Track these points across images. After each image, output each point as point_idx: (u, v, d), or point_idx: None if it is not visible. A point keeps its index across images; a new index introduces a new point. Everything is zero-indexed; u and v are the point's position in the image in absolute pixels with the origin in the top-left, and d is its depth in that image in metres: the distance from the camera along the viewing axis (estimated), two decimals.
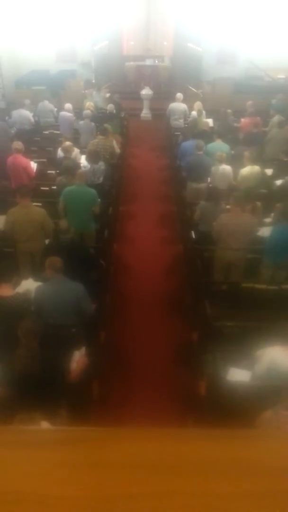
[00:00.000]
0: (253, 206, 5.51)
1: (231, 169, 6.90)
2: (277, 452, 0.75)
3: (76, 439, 0.80)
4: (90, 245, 5.67)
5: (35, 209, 5.24)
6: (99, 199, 5.87)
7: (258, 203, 5.73)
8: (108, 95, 12.42)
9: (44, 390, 2.97)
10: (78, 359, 3.41)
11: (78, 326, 3.86)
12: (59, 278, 3.89)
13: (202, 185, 7.01)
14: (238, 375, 3.48)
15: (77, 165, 6.94)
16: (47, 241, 5.29)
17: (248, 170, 6.72)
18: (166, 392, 4.34)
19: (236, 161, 7.20)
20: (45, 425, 2.60)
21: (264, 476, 0.70)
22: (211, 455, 0.74)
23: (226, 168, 6.90)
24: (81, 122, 9.32)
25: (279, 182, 6.96)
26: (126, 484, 0.69)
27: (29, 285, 4.20)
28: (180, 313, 5.51)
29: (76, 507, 0.66)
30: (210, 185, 6.81)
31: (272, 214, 5.55)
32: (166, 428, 0.81)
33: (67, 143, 7.51)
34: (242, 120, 9.76)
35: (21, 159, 6.97)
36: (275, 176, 7.33)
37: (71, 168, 6.36)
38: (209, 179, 7.08)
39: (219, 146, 7.66)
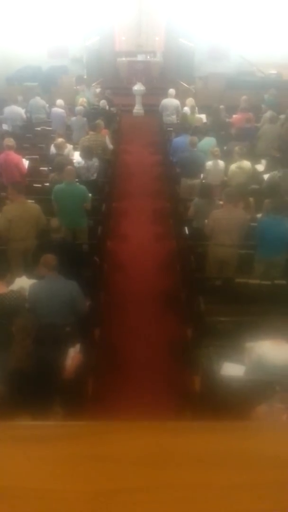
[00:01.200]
0: (246, 202, 5.53)
1: (224, 164, 6.92)
2: (274, 443, 0.76)
3: (72, 433, 0.80)
4: (83, 242, 5.66)
5: (31, 205, 5.23)
6: (90, 195, 5.84)
7: (251, 199, 5.76)
8: (98, 90, 12.36)
9: (38, 387, 2.98)
10: (72, 355, 3.41)
11: (72, 324, 3.86)
12: (53, 276, 3.89)
13: (196, 181, 7.02)
14: (232, 369, 3.50)
15: (69, 162, 6.90)
16: (39, 236, 5.26)
17: (237, 165, 6.75)
18: (160, 388, 4.35)
19: (228, 156, 7.22)
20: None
21: (262, 467, 0.71)
22: (208, 447, 0.75)
23: (220, 163, 6.92)
24: (73, 118, 9.28)
25: (266, 176, 6.98)
26: (123, 478, 0.69)
27: (23, 283, 4.18)
28: (174, 309, 5.53)
29: (73, 502, 0.67)
30: (203, 181, 6.82)
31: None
32: (162, 421, 0.82)
33: (60, 139, 7.47)
34: (234, 116, 9.77)
35: (13, 156, 6.92)
36: (266, 171, 7.35)
37: (64, 165, 6.32)
38: (202, 175, 7.09)
39: (208, 142, 7.68)
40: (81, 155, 7.18)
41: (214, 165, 6.89)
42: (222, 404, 3.15)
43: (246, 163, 6.83)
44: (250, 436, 0.79)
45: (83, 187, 5.76)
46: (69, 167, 5.88)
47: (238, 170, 6.72)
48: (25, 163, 7.33)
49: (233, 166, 6.78)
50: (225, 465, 0.71)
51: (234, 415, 2.79)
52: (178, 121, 10.21)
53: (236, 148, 6.88)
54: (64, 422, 1.01)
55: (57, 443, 0.76)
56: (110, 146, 8.38)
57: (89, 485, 0.69)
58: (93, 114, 9.91)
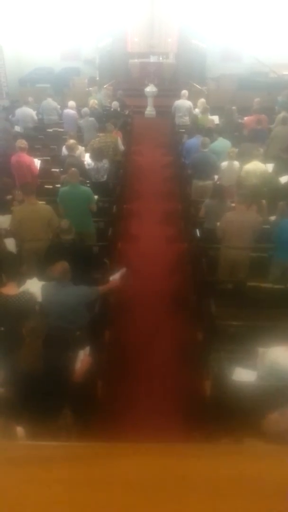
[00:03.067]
0: (258, 205, 5.46)
1: (239, 165, 6.86)
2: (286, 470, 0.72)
3: (76, 455, 0.76)
4: (92, 244, 5.63)
5: (42, 206, 5.22)
6: (96, 197, 5.81)
7: (263, 201, 5.68)
8: (108, 92, 12.37)
9: (47, 389, 2.96)
10: (82, 358, 3.39)
11: (81, 327, 3.84)
12: (64, 283, 3.86)
13: (208, 183, 6.96)
14: (243, 375, 3.45)
15: (80, 163, 6.90)
16: (50, 237, 5.26)
17: (252, 166, 6.67)
18: (170, 392, 4.31)
19: (240, 157, 7.15)
20: (20, 431, 2.57)
21: (273, 495, 0.67)
22: (218, 472, 0.71)
23: (235, 164, 6.86)
24: (82, 121, 9.29)
25: (284, 179, 6.89)
26: (129, 503, 0.66)
27: (33, 285, 4.18)
28: (184, 312, 5.48)
29: None
30: (218, 182, 6.76)
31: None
32: (170, 443, 0.78)
33: (72, 141, 7.48)
34: (246, 118, 9.69)
35: (25, 157, 6.96)
36: (275, 173, 7.26)
37: (75, 166, 6.33)
38: (216, 177, 7.04)
39: (222, 143, 7.61)
40: (90, 157, 7.19)
41: (229, 166, 6.84)
42: (232, 410, 3.10)
43: (261, 165, 6.76)
44: (261, 461, 0.75)
45: (87, 188, 5.73)
46: (72, 169, 5.84)
47: (252, 171, 6.65)
48: (37, 163, 7.36)
49: (247, 167, 6.71)
50: (235, 492, 0.67)
51: (245, 421, 2.74)
52: (190, 123, 10.16)
53: (255, 150, 6.83)
54: (67, 443, 0.97)
55: (60, 465, 0.73)
56: (122, 147, 8.37)
57: (91, 511, 0.65)
58: (104, 116, 9.92)
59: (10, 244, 5.05)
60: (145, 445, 0.77)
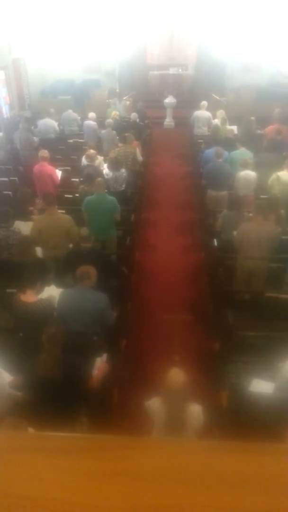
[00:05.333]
0: (277, 215, 5.44)
1: (255, 175, 6.84)
2: None
3: (100, 447, 0.80)
4: (112, 252, 5.71)
5: (62, 216, 5.31)
6: (119, 206, 5.91)
7: (282, 211, 5.65)
8: (128, 103, 12.55)
9: (65, 395, 2.99)
10: (99, 365, 3.42)
11: (99, 334, 3.88)
12: (85, 288, 3.90)
13: (221, 193, 6.96)
14: (261, 386, 3.41)
15: (99, 173, 7.01)
16: (71, 246, 5.35)
17: (277, 176, 6.66)
18: None
19: (258, 168, 7.13)
20: (31, 431, 2.60)
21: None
22: (241, 469, 0.72)
23: (250, 174, 6.84)
24: (104, 131, 9.45)
25: None
26: (151, 495, 0.68)
27: (52, 292, 4.24)
28: (201, 322, 5.46)
29: None
30: (233, 192, 6.76)
31: None
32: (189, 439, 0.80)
33: (92, 151, 7.62)
34: (266, 128, 9.68)
35: (47, 167, 7.12)
36: None
37: (93, 176, 6.43)
38: (232, 186, 7.03)
39: (243, 153, 7.61)
40: (108, 167, 7.30)
41: (244, 175, 6.83)
42: (249, 422, 3.07)
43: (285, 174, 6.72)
44: (282, 459, 0.76)
45: (113, 198, 5.83)
46: (99, 179, 5.98)
47: (276, 181, 6.64)
48: (58, 173, 7.51)
49: (274, 177, 6.70)
50: (257, 489, 0.69)
51: (262, 433, 2.71)
52: (209, 133, 10.21)
53: (271, 160, 6.82)
54: (92, 435, 0.99)
55: (83, 455, 0.76)
56: (140, 158, 8.47)
57: (115, 500, 0.68)
58: (124, 127, 10.06)
59: (38, 251, 5.19)
60: (171, 439, 0.79)
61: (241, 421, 3.23)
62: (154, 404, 2.98)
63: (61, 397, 2.96)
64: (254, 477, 0.71)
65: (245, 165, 6.84)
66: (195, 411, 2.92)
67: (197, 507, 0.66)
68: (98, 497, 0.68)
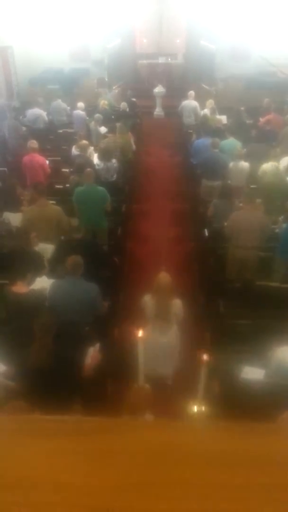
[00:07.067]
0: (267, 205, 5.47)
1: (248, 165, 6.87)
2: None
3: (90, 429, 0.81)
4: (103, 243, 5.70)
5: (51, 207, 5.28)
6: (109, 196, 5.89)
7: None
8: (116, 91, 12.43)
9: (58, 384, 3.00)
10: (92, 354, 3.43)
11: (91, 323, 3.89)
12: (75, 278, 3.90)
13: (216, 183, 6.98)
14: (252, 373, 3.46)
15: (90, 163, 6.96)
16: (62, 238, 5.32)
17: (269, 166, 6.69)
18: (179, 390, 4.33)
19: (248, 158, 7.15)
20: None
21: (276, 469, 0.70)
22: (222, 446, 0.74)
23: (244, 164, 6.87)
24: (92, 123, 9.33)
25: None
26: (136, 473, 0.70)
27: (43, 282, 4.24)
28: (192, 311, 5.49)
29: (87, 495, 0.68)
30: (228, 182, 6.79)
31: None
32: (178, 419, 0.83)
33: (83, 141, 7.56)
34: (261, 119, 9.66)
35: (38, 158, 7.05)
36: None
37: (84, 166, 6.39)
38: (225, 176, 7.05)
39: (232, 143, 7.62)
40: (99, 157, 7.25)
41: (237, 166, 6.85)
42: (242, 409, 3.11)
43: (276, 165, 6.76)
44: (264, 438, 0.78)
45: (103, 189, 5.80)
46: (88, 169, 5.94)
47: (269, 171, 6.68)
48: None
49: (263, 167, 6.73)
50: (238, 465, 0.71)
51: (254, 419, 2.75)
52: (196, 123, 10.19)
53: (273, 149, 6.86)
54: (82, 418, 1.01)
55: (74, 437, 0.78)
56: (133, 147, 8.44)
57: (103, 480, 0.70)
58: (114, 116, 9.97)
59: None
60: (154, 420, 0.82)
61: (233, 408, 3.27)
62: (147, 299, 3.90)
63: (54, 386, 2.97)
64: (235, 454, 0.73)
65: (240, 156, 6.87)
66: (178, 303, 3.93)
67: (186, 484, 0.68)
68: (82, 475, 0.70)
